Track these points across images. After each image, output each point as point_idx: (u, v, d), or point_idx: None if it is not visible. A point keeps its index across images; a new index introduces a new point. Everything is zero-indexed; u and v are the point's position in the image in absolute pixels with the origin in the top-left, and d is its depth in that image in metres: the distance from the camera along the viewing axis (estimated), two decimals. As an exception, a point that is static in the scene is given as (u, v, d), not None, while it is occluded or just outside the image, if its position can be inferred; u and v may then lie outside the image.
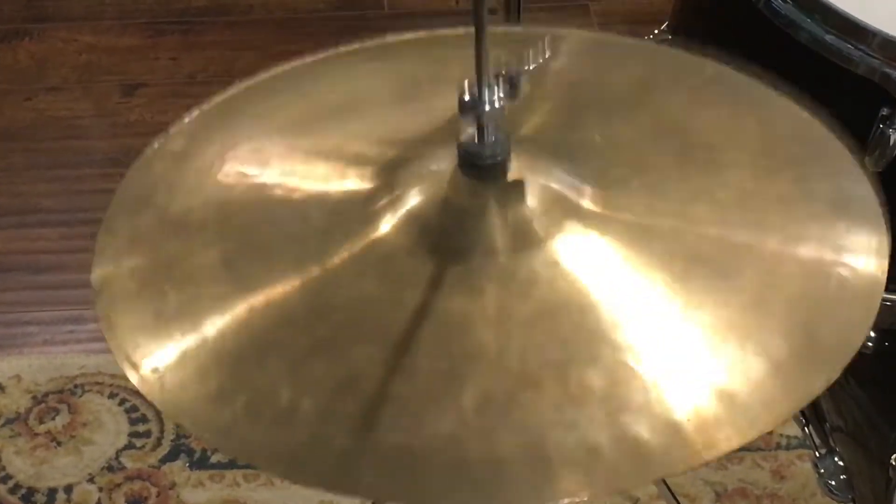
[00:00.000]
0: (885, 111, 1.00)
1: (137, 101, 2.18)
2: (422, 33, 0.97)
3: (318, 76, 0.95)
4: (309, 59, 0.95)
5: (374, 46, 0.97)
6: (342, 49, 0.96)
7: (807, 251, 0.78)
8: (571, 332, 0.73)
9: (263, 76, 0.94)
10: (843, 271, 0.76)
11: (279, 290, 0.77)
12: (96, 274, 0.80)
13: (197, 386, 0.73)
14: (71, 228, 1.92)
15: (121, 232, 0.84)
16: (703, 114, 0.88)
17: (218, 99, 0.93)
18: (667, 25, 1.29)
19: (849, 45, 1.01)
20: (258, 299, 0.76)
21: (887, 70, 0.99)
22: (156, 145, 0.89)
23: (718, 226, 0.79)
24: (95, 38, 2.32)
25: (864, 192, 0.82)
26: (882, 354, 1.10)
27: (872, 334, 1.08)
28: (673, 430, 0.69)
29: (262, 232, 0.82)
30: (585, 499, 0.67)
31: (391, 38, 0.96)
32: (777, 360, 0.72)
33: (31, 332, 1.79)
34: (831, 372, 0.72)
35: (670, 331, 0.73)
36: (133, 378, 0.74)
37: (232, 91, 0.93)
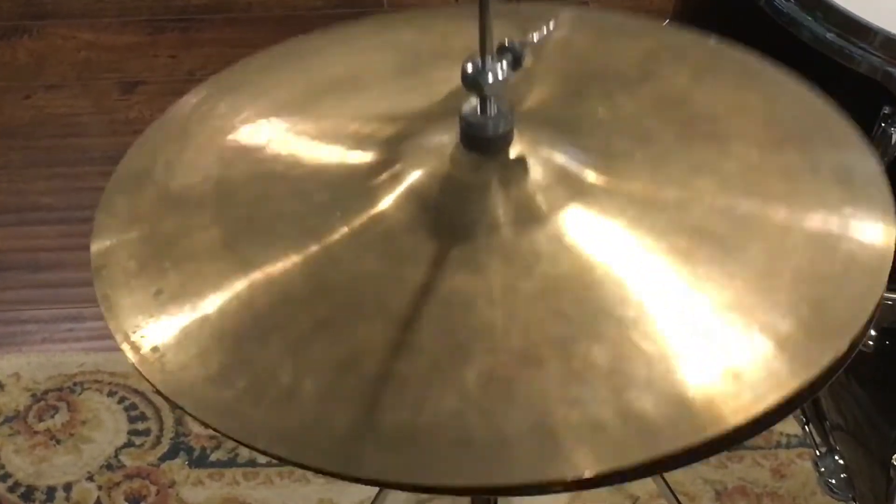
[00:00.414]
0: (886, 110, 1.00)
1: (137, 99, 2.17)
2: (425, 9, 0.96)
3: (321, 52, 0.95)
4: (311, 35, 0.95)
5: (377, 21, 0.96)
6: (344, 25, 0.96)
7: (813, 224, 0.77)
8: (575, 308, 0.73)
9: (265, 53, 0.94)
10: (851, 244, 0.76)
11: (280, 267, 0.76)
12: (95, 251, 0.80)
13: (197, 366, 0.72)
14: (70, 226, 1.91)
15: (120, 209, 0.84)
16: (706, 87, 0.88)
17: (219, 76, 0.93)
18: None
19: (850, 44, 1.01)
20: (259, 277, 0.76)
21: (889, 69, 0.99)
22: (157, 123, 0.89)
23: (723, 198, 0.78)
24: (95, 35, 2.32)
25: (870, 164, 0.81)
26: (882, 353, 1.10)
27: (873, 333, 1.08)
28: (678, 405, 0.68)
29: (262, 208, 0.81)
30: (591, 475, 0.66)
31: (393, 14, 0.96)
32: (783, 335, 0.71)
33: (30, 330, 1.79)
34: (838, 346, 0.70)
35: (675, 305, 0.73)
36: (133, 358, 0.73)
37: (234, 68, 0.93)
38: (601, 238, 0.76)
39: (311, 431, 0.69)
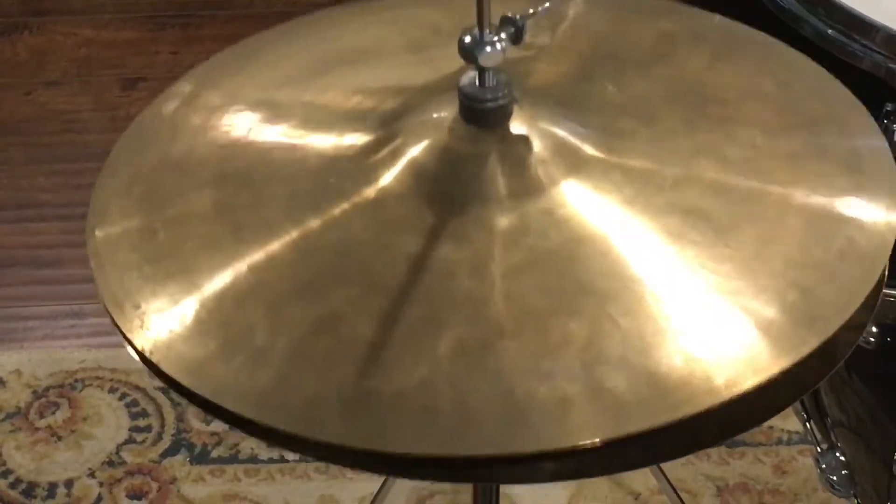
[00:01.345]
0: (889, 106, 1.00)
1: (138, 95, 2.17)
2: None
3: (329, 27, 0.95)
4: (329, 9, 0.95)
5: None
6: (354, 2, 0.96)
7: (813, 209, 0.77)
8: (557, 282, 0.72)
9: (275, 28, 0.94)
10: (849, 231, 0.75)
11: (270, 234, 0.76)
12: (92, 210, 0.80)
13: (175, 324, 0.73)
14: (71, 223, 1.91)
15: (121, 171, 0.84)
16: (721, 71, 0.87)
17: (229, 49, 0.93)
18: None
19: (853, 41, 1.01)
20: (247, 242, 0.76)
21: (892, 65, 0.99)
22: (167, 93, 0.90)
23: (723, 181, 0.78)
24: (95, 31, 2.32)
25: (880, 152, 0.80)
26: (884, 350, 1.10)
27: (874, 329, 1.08)
28: (651, 384, 0.67)
29: (258, 176, 0.81)
30: (552, 449, 0.66)
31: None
32: (767, 320, 0.70)
33: (31, 326, 1.79)
34: (824, 334, 0.70)
35: (660, 285, 0.72)
36: (116, 315, 0.73)
37: (243, 42, 0.93)
38: (594, 214, 0.75)
39: (278, 392, 0.69)
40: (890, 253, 0.74)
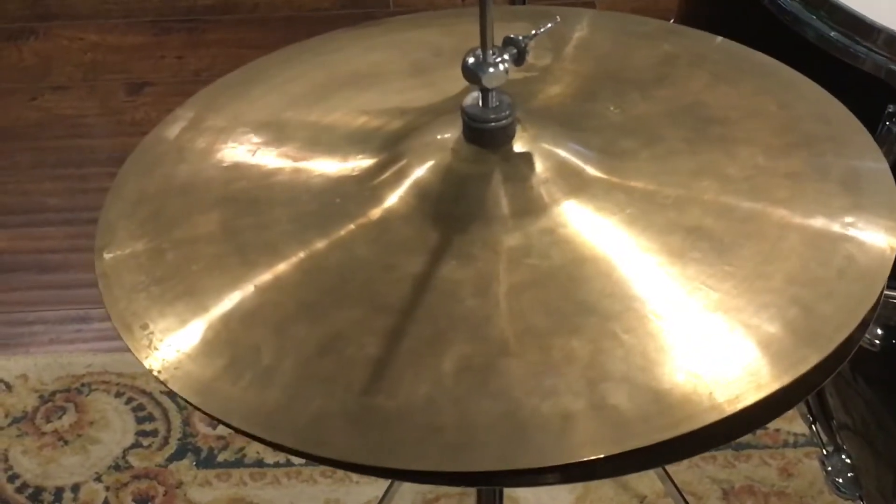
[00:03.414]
0: (891, 108, 1.00)
1: (143, 100, 2.18)
2: (447, 10, 0.97)
3: (331, 50, 0.96)
4: (333, 33, 0.96)
5: (392, 21, 0.97)
6: (365, 25, 0.97)
7: (812, 227, 0.77)
8: (560, 301, 0.73)
9: (279, 51, 0.95)
10: (850, 248, 0.76)
11: (276, 255, 0.77)
12: (100, 232, 0.81)
13: (182, 343, 0.73)
14: (76, 227, 1.92)
15: (128, 193, 0.85)
16: (722, 93, 0.88)
17: (234, 72, 0.94)
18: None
19: (854, 42, 1.01)
20: (254, 263, 0.77)
21: (893, 67, 0.99)
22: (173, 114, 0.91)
23: (723, 200, 0.78)
24: (101, 36, 2.32)
25: (880, 172, 0.81)
26: (889, 352, 1.10)
27: (879, 331, 1.07)
28: (653, 400, 0.68)
29: (263, 198, 0.82)
30: (555, 464, 0.67)
31: (416, 15, 0.97)
32: (768, 337, 0.71)
33: (37, 331, 1.79)
34: (825, 349, 0.70)
35: (662, 303, 0.73)
36: (125, 335, 0.74)
37: (248, 65, 0.94)
38: (595, 233, 0.76)
39: (285, 411, 0.70)
40: (889, 271, 0.75)
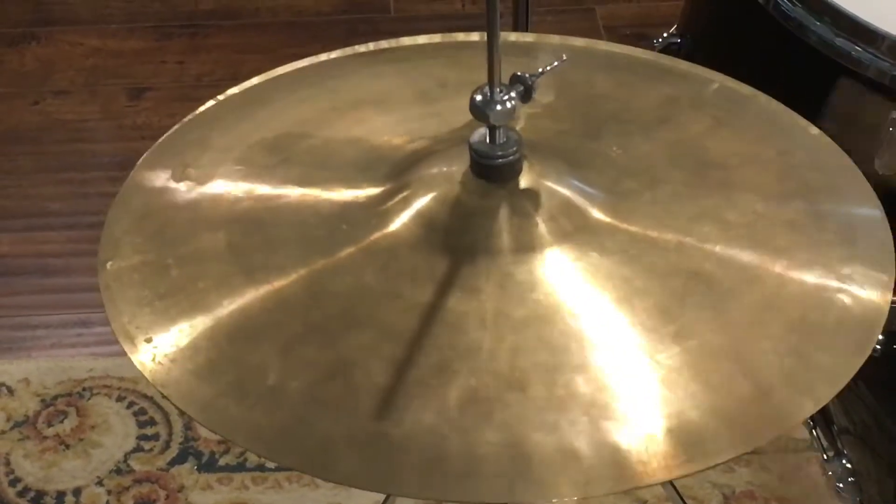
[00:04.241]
0: (894, 114, 1.00)
1: (144, 105, 2.18)
2: (442, 36, 0.97)
3: (338, 75, 0.96)
4: (335, 55, 0.96)
5: (398, 48, 0.98)
6: (365, 49, 0.97)
7: (810, 277, 0.78)
8: (563, 338, 0.74)
9: (285, 73, 0.95)
10: (846, 299, 0.77)
11: (282, 276, 0.78)
12: (103, 244, 0.82)
13: (187, 360, 0.74)
14: (78, 232, 1.92)
15: (132, 210, 0.85)
16: (723, 137, 0.89)
17: (239, 93, 0.94)
18: (675, 29, 1.29)
19: (858, 48, 1.01)
20: (260, 283, 0.77)
21: (896, 73, 0.99)
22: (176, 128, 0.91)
23: (723, 246, 0.80)
24: (102, 41, 2.32)
25: (877, 224, 0.82)
26: (890, 357, 1.10)
27: (881, 336, 1.08)
28: (653, 441, 0.69)
29: (269, 220, 0.83)
30: (559, 501, 0.68)
31: (412, 41, 0.98)
32: (766, 383, 0.72)
33: (39, 335, 1.79)
34: (822, 399, 0.72)
35: (662, 344, 0.74)
36: (127, 348, 0.75)
37: (253, 86, 0.94)
38: (598, 272, 0.77)
39: (290, 432, 0.71)
40: (885, 320, 0.76)
